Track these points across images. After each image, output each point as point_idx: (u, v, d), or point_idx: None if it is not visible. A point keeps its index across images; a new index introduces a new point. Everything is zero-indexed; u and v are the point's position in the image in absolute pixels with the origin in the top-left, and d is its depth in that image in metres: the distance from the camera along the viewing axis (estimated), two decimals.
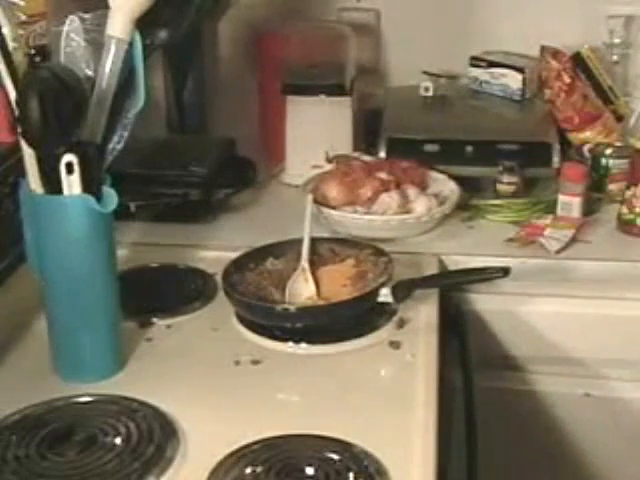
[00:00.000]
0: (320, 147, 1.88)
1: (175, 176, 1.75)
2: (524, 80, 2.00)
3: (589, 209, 1.76)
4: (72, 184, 1.17)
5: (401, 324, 1.40)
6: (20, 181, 1.25)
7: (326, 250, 1.53)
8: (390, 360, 1.33)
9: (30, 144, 1.17)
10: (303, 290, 1.44)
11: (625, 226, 1.71)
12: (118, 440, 1.12)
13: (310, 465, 1.07)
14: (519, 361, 1.66)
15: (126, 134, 1.25)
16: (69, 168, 1.16)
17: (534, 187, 1.84)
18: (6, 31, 1.27)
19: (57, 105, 1.14)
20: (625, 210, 1.70)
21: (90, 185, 1.18)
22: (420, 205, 1.70)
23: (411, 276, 1.45)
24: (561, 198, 1.73)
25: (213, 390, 1.25)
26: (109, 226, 1.23)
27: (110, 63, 1.20)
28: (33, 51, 1.36)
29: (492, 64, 2.04)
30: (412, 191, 1.73)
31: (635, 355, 1.61)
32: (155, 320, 1.42)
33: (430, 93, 2.03)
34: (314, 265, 1.49)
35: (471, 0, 2.09)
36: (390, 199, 1.69)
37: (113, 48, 1.20)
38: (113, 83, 1.21)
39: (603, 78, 2.01)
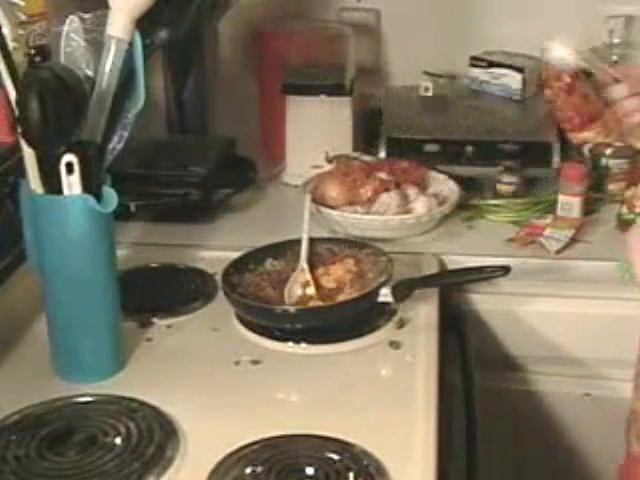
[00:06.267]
0: (320, 147, 1.88)
1: (175, 176, 1.75)
2: (524, 80, 2.01)
3: (589, 209, 1.76)
4: (72, 184, 1.17)
5: (401, 324, 1.40)
6: (20, 181, 1.25)
7: (325, 250, 1.53)
8: (390, 360, 1.34)
9: (30, 144, 1.17)
10: (302, 291, 1.45)
11: (625, 226, 1.71)
12: (118, 440, 1.12)
13: (310, 465, 1.08)
14: (519, 361, 1.66)
15: (126, 134, 1.25)
16: (69, 168, 1.16)
17: (534, 187, 1.84)
18: (6, 31, 1.27)
19: (57, 105, 1.14)
20: (625, 210, 1.70)
21: (90, 185, 1.19)
22: (420, 205, 1.70)
23: (411, 276, 1.45)
24: (561, 198, 1.73)
25: (213, 390, 1.25)
26: (109, 226, 1.23)
27: (110, 63, 1.21)
28: (33, 51, 1.37)
29: (492, 64, 2.04)
30: (412, 191, 1.73)
31: (635, 355, 1.61)
32: (155, 320, 1.42)
33: (430, 93, 2.03)
34: (313, 265, 1.49)
35: (471, 0, 2.09)
36: (390, 199, 1.69)
37: (113, 48, 1.20)
38: (113, 83, 1.21)
39: None
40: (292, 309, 1.40)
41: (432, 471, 1.08)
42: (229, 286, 1.42)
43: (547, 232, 1.67)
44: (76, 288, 1.22)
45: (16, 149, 1.23)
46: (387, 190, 1.70)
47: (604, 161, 1.84)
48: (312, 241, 1.52)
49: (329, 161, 1.86)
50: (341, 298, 1.42)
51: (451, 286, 1.57)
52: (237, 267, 1.47)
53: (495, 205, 1.78)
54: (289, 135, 1.95)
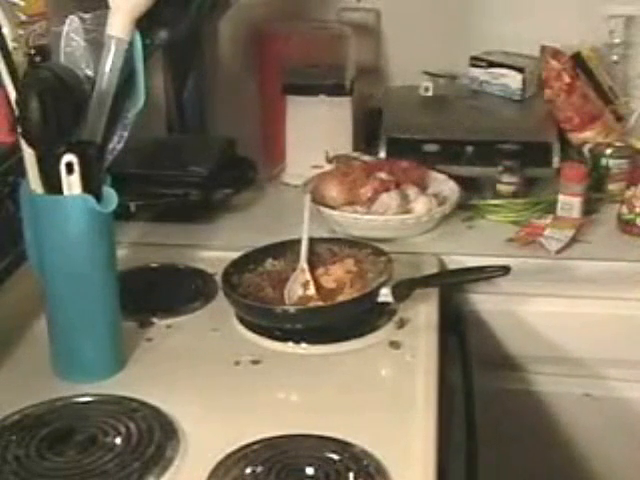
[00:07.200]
0: (320, 147, 1.87)
1: (175, 176, 1.75)
2: (524, 80, 2.01)
3: (589, 209, 1.76)
4: (72, 184, 1.17)
5: (401, 324, 1.40)
6: (20, 181, 1.25)
7: (325, 250, 1.53)
8: (390, 360, 1.33)
9: (30, 144, 1.17)
10: (302, 291, 1.44)
11: (625, 226, 1.71)
12: (118, 440, 1.12)
13: (310, 465, 1.08)
14: (519, 361, 1.66)
15: (126, 134, 1.25)
16: (69, 168, 1.16)
17: (534, 187, 1.84)
18: (6, 31, 1.27)
19: (57, 105, 1.14)
20: (625, 210, 1.70)
21: (90, 185, 1.18)
22: (420, 205, 1.70)
23: (411, 276, 1.45)
24: (561, 198, 1.73)
25: (213, 390, 1.25)
26: (109, 226, 1.23)
27: (110, 63, 1.21)
28: (33, 51, 1.36)
29: (492, 64, 2.04)
30: (412, 191, 1.73)
31: (635, 355, 1.61)
32: (155, 320, 1.42)
33: (430, 93, 2.03)
34: (313, 265, 1.49)
35: (471, 0, 2.09)
36: (390, 199, 1.69)
37: (113, 48, 1.20)
38: (113, 83, 1.21)
39: (603, 78, 2.01)
40: (292, 309, 1.40)
41: (432, 471, 1.08)
42: (229, 286, 1.42)
43: (547, 232, 1.67)
44: (76, 288, 1.22)
45: (16, 149, 1.23)
46: (387, 190, 1.70)
47: (604, 161, 1.84)
48: (312, 241, 1.52)
49: (329, 161, 1.86)
50: (341, 298, 1.42)
51: (451, 286, 1.57)
52: (237, 267, 1.47)
53: (495, 205, 1.78)
54: (289, 135, 1.95)
